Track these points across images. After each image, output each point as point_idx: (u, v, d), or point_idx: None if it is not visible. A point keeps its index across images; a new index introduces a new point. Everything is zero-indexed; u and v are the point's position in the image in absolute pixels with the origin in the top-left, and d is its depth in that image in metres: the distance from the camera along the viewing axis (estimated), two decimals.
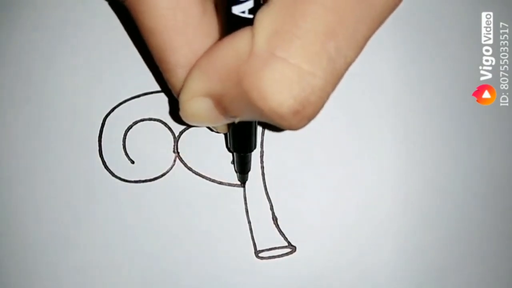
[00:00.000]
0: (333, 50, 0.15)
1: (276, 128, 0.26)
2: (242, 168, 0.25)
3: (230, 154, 0.26)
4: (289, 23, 0.15)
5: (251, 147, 0.23)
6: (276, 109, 0.15)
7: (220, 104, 0.17)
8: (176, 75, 0.18)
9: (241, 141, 0.23)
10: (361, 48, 0.16)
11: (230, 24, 0.16)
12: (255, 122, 0.22)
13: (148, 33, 0.18)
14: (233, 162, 0.25)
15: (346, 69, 0.16)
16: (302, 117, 0.16)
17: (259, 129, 0.26)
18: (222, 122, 0.19)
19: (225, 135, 0.25)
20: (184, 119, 0.19)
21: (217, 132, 0.25)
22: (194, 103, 0.17)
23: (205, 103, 0.17)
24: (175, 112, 0.26)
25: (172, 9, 0.17)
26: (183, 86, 0.18)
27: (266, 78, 0.15)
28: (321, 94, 0.15)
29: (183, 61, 0.18)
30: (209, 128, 0.25)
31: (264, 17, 0.15)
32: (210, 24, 0.18)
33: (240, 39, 0.16)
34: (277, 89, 0.15)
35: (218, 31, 0.18)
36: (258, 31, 0.15)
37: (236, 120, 0.18)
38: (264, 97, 0.15)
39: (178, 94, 0.18)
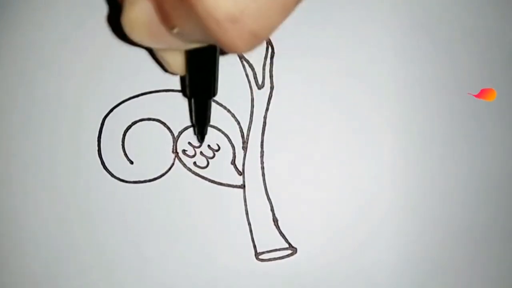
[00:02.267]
0: None
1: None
2: (201, 119, 0.22)
3: (231, 154, 0.26)
4: None
5: (212, 90, 0.21)
6: (212, 11, 0.14)
7: (161, 8, 0.16)
8: None
9: (200, 81, 0.20)
10: None
11: None
12: (217, 59, 0.20)
13: None
14: (191, 113, 0.23)
15: None
16: (243, 29, 0.14)
17: (259, 127, 0.26)
18: (164, 38, 0.17)
19: (182, 80, 0.24)
20: (125, 28, 0.18)
21: (173, 74, 0.24)
22: (136, 5, 0.16)
23: (146, 6, 0.16)
24: (176, 112, 0.26)
25: None
26: None
27: None
28: (264, 5, 0.14)
29: None
30: (165, 70, 0.24)
31: None
32: None
33: None
34: None
35: None
36: None
37: (175, 32, 0.17)
38: None
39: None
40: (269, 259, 0.26)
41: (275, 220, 0.26)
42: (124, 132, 0.26)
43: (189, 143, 0.26)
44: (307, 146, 0.26)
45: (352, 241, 0.26)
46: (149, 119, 0.26)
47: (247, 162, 0.26)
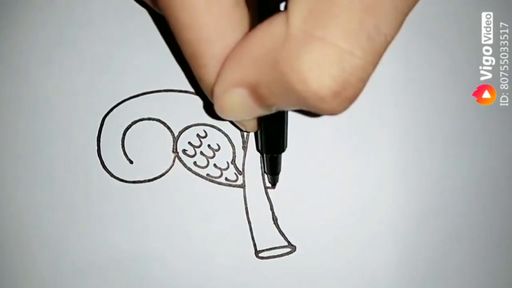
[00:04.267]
0: (371, 28, 0.14)
1: (312, 114, 0.25)
2: (274, 170, 0.24)
3: (231, 154, 0.26)
4: (324, 2, 0.14)
5: (283, 147, 0.23)
6: (316, 91, 0.15)
7: (256, 92, 0.17)
8: (210, 70, 0.18)
9: (272, 141, 0.23)
10: (400, 25, 0.15)
11: (263, 12, 0.16)
12: (286, 120, 0.22)
13: (181, 29, 0.18)
14: (262, 163, 0.25)
15: (386, 48, 0.15)
16: (343, 99, 0.15)
17: None
18: (258, 114, 0.18)
19: (255, 137, 0.25)
20: (219, 113, 0.19)
21: (247, 132, 0.25)
22: (229, 94, 0.17)
23: (241, 93, 0.17)
24: (176, 112, 0.26)
25: (207, 2, 0.17)
26: (216, 79, 0.17)
27: (304, 59, 0.14)
28: (361, 74, 0.15)
29: (217, 55, 0.17)
30: (238, 128, 0.25)
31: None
32: (242, 16, 0.18)
33: (274, 23, 0.15)
34: (317, 70, 0.14)
35: (250, 23, 0.18)
36: (293, 13, 0.15)
37: (273, 109, 0.18)
38: (303, 79, 0.15)
39: (212, 91, 0.18)
40: (269, 257, 0.26)
41: (275, 219, 0.26)
42: (124, 131, 0.25)
43: (189, 142, 0.26)
44: (307, 146, 0.26)
45: (351, 239, 0.26)
46: (149, 118, 0.26)
47: (247, 161, 0.26)
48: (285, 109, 0.18)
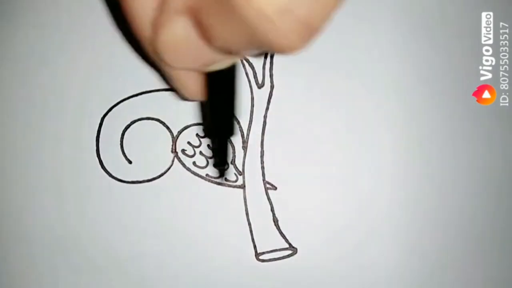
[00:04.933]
0: None
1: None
2: (223, 159, 0.23)
3: (231, 154, 0.26)
4: None
5: (232, 128, 0.21)
6: (260, 7, 0.12)
7: (200, 22, 0.15)
8: (143, 8, 0.16)
9: (221, 119, 0.20)
10: None
11: None
12: (233, 106, 0.20)
13: None
14: (213, 152, 0.23)
15: None
16: (293, 19, 0.13)
17: (259, 127, 0.26)
18: (205, 59, 0.16)
19: (203, 119, 0.24)
20: (159, 54, 0.16)
21: (193, 101, 0.24)
22: (171, 24, 0.15)
23: (184, 23, 0.15)
24: (175, 111, 0.25)
25: None
26: (156, 12, 0.16)
27: None
28: None
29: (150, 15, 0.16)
30: (182, 97, 0.23)
31: None
32: None
33: None
34: None
35: None
36: None
37: (219, 45, 0.15)
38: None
39: (150, 30, 0.16)
40: (270, 259, 0.25)
41: (275, 220, 0.26)
42: (123, 131, 0.25)
43: (189, 142, 0.26)
44: (307, 146, 0.26)
45: (352, 241, 0.26)
46: (148, 118, 0.25)
47: (247, 162, 0.26)
48: (232, 45, 0.15)
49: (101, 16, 0.25)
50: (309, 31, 0.13)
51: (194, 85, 0.19)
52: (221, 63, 0.17)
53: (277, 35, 0.13)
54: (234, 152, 0.26)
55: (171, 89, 0.25)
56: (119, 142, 0.25)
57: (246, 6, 0.13)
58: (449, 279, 0.26)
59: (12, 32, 0.25)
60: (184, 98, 0.22)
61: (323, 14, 0.13)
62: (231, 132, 0.21)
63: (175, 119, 0.25)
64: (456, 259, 0.26)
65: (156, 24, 0.16)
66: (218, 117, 0.20)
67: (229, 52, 0.16)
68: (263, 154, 0.26)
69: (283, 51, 0.14)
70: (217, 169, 0.24)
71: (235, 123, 0.21)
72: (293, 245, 0.26)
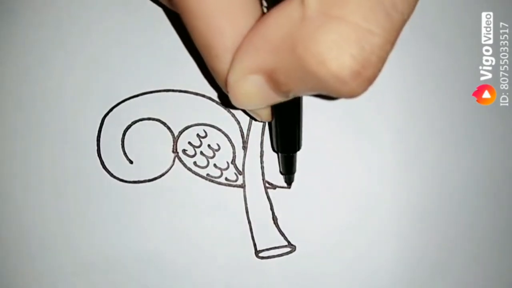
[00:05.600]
0: (389, 5, 0.14)
1: (327, 98, 0.25)
2: (289, 169, 0.25)
3: (231, 154, 0.26)
4: None
5: (298, 145, 0.23)
6: (336, 72, 0.14)
7: (273, 78, 0.16)
8: (223, 60, 0.18)
9: (287, 139, 0.22)
10: (416, 2, 0.15)
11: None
12: (301, 117, 0.22)
13: (192, 19, 0.17)
14: (281, 165, 0.25)
15: (403, 26, 0.15)
16: (363, 79, 0.15)
17: (259, 127, 0.26)
18: (274, 101, 0.18)
19: (270, 135, 0.25)
20: (234, 102, 0.18)
21: (261, 122, 0.25)
22: (245, 82, 0.17)
23: (256, 80, 0.17)
24: (176, 112, 0.26)
25: None
26: (230, 67, 0.17)
27: (322, 40, 0.14)
28: (381, 53, 0.15)
29: (230, 43, 0.17)
30: (252, 117, 0.25)
31: None
32: (253, 3, 0.17)
33: (289, 6, 0.15)
34: (336, 50, 0.14)
35: (260, 10, 0.18)
36: None
37: (290, 95, 0.17)
38: (321, 60, 0.14)
39: (225, 81, 0.18)
40: (269, 257, 0.26)
41: (275, 219, 0.26)
42: (124, 131, 0.25)
43: (189, 143, 0.26)
44: (307, 146, 0.26)
45: (352, 239, 0.26)
46: (149, 118, 0.25)
47: (247, 161, 0.26)
48: (302, 94, 0.18)
49: (102, 16, 0.25)
50: (371, 84, 0.16)
51: (264, 113, 0.21)
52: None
53: (348, 92, 0.15)
54: (234, 152, 0.26)
55: (171, 89, 0.25)
56: (120, 142, 0.25)
57: (323, 71, 0.15)
58: (451, 282, 0.26)
59: (12, 32, 0.25)
60: (252, 118, 0.25)
61: (382, 68, 0.15)
62: (299, 147, 0.23)
63: (176, 119, 0.26)
64: (459, 261, 0.26)
65: (229, 73, 0.18)
66: (287, 135, 0.22)
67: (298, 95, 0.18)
68: (263, 154, 0.26)
69: (349, 98, 0.16)
70: (286, 177, 0.25)
71: (298, 138, 0.23)
72: (292, 242, 0.26)
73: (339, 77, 0.15)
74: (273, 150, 0.26)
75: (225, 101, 0.26)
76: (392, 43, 0.15)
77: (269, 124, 0.25)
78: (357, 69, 0.15)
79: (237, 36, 0.17)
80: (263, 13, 0.17)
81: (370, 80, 0.15)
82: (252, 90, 0.17)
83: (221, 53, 0.18)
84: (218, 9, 0.17)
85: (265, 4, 0.17)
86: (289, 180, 0.25)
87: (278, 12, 0.15)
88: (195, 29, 0.18)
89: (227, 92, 0.18)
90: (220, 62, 0.18)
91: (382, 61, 0.15)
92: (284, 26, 0.15)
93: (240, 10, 0.17)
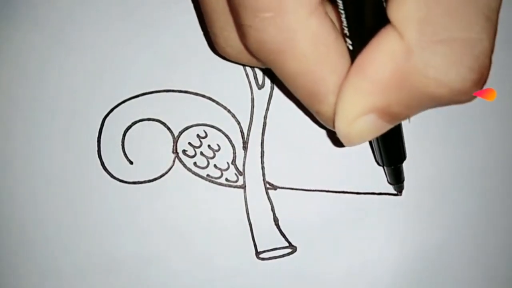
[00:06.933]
0: (485, 8, 0.15)
1: None
2: (398, 179, 0.25)
3: (231, 155, 0.26)
4: (430, 5, 0.14)
5: (404, 155, 0.24)
6: (459, 88, 0.15)
7: (387, 112, 0.17)
8: (327, 102, 0.18)
9: (393, 153, 0.23)
10: None
11: (364, 35, 0.16)
12: (402, 132, 0.23)
13: (294, 77, 0.18)
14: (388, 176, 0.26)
15: (498, 22, 0.15)
16: (482, 83, 0.16)
17: (259, 127, 0.26)
18: (386, 129, 0.18)
19: (372, 149, 0.26)
20: (347, 143, 0.19)
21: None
22: (358, 123, 0.17)
23: (370, 119, 0.17)
24: (176, 112, 0.26)
25: (314, 45, 0.17)
26: (337, 113, 0.18)
27: (437, 65, 0.15)
28: (490, 54, 0.15)
29: (332, 88, 0.18)
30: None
31: (400, 10, 0.15)
32: (343, 44, 0.18)
33: (386, 43, 0.15)
34: (454, 70, 0.15)
35: (347, 48, 0.18)
36: (404, 28, 0.15)
37: (402, 120, 0.18)
38: (442, 84, 0.15)
39: (332, 121, 0.18)
40: (269, 258, 0.26)
41: (276, 220, 0.26)
42: (124, 132, 0.25)
43: (189, 143, 0.26)
44: (307, 146, 0.26)
45: (352, 240, 0.26)
46: (149, 119, 0.25)
47: (248, 162, 0.26)
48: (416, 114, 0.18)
49: (102, 16, 0.25)
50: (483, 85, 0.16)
51: None
52: None
53: (470, 97, 0.16)
54: (234, 153, 0.26)
55: (171, 90, 0.26)
56: (120, 143, 0.25)
57: (446, 92, 0.15)
58: (451, 282, 0.26)
59: (11, 32, 0.25)
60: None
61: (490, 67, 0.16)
62: (404, 157, 0.24)
63: (176, 120, 0.26)
64: (458, 261, 0.26)
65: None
66: (392, 149, 0.24)
67: None
68: (263, 154, 0.26)
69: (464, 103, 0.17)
70: (395, 187, 0.26)
71: (403, 149, 0.24)
72: (293, 243, 0.26)
73: (462, 91, 0.15)
74: (378, 164, 0.26)
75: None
76: (494, 40, 0.15)
77: (370, 141, 0.25)
78: (477, 78, 0.15)
79: (338, 79, 0.17)
80: (349, 50, 0.18)
81: (486, 80, 0.16)
82: (365, 128, 0.18)
83: (325, 98, 0.18)
84: (319, 62, 0.17)
85: (349, 42, 0.17)
86: (399, 189, 0.26)
87: (377, 52, 0.16)
88: (296, 83, 0.18)
89: (337, 134, 0.19)
90: (325, 105, 0.18)
91: (491, 60, 0.15)
92: (388, 63, 0.16)
93: (335, 55, 0.17)
